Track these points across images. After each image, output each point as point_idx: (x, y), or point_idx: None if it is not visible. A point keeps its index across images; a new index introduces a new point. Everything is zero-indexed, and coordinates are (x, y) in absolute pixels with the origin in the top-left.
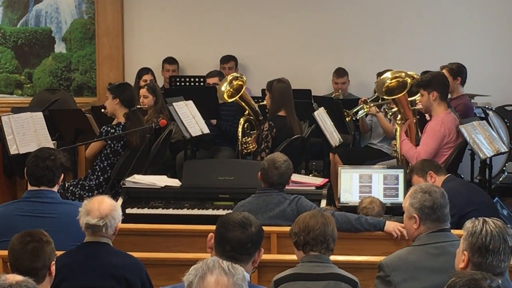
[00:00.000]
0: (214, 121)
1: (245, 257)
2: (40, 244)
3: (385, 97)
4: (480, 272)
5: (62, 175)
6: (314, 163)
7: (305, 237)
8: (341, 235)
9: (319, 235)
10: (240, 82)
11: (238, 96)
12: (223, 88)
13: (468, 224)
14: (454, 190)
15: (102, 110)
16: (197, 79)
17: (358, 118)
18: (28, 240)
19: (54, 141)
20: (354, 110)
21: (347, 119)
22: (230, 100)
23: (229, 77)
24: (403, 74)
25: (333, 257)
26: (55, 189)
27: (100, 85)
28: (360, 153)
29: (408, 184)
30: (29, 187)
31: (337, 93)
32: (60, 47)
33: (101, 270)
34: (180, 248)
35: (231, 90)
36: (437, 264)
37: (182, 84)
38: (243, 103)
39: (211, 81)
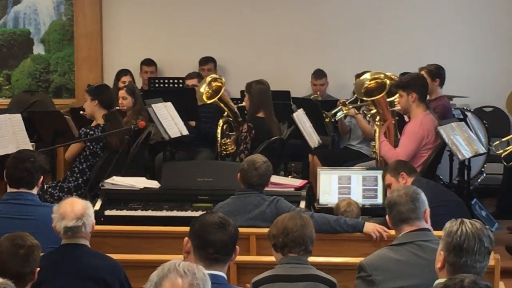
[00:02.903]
0: (193, 123)
1: (226, 258)
2: (31, 249)
3: (364, 98)
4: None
5: (42, 177)
6: (293, 165)
7: (283, 239)
8: (320, 236)
9: (297, 237)
10: (219, 84)
11: (217, 98)
12: (202, 90)
13: (447, 224)
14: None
15: (81, 112)
16: (176, 81)
17: (337, 119)
18: (20, 244)
19: (33, 143)
20: (333, 112)
21: (326, 120)
22: (209, 102)
23: (208, 79)
24: (382, 75)
25: (311, 259)
26: (35, 191)
27: (79, 87)
28: (339, 155)
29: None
30: (8, 189)
31: (315, 95)
32: (38, 49)
33: (80, 272)
34: (159, 249)
35: (210, 91)
36: (419, 262)
37: (161, 85)
38: (222, 105)
39: (190, 82)
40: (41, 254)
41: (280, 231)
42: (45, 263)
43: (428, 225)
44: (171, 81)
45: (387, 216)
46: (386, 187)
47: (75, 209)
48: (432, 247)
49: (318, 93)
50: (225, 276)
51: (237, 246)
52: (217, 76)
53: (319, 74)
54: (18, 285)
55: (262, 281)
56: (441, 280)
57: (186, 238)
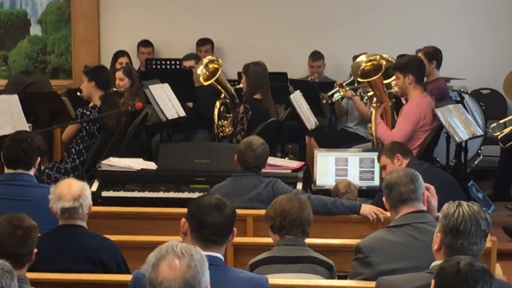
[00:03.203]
0: (190, 104)
1: (222, 240)
2: (28, 230)
3: (360, 79)
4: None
5: (39, 158)
6: (290, 146)
7: (281, 221)
8: (316, 218)
9: (295, 219)
10: (216, 65)
11: (214, 80)
12: (199, 71)
13: (445, 206)
14: None
15: (78, 93)
16: (173, 62)
17: (334, 101)
18: (18, 225)
19: (30, 124)
20: (330, 93)
21: (323, 102)
22: (206, 83)
23: (205, 60)
24: (378, 57)
25: (308, 240)
26: (32, 172)
27: (76, 68)
28: (336, 136)
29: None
30: (6, 170)
31: (313, 77)
32: (35, 30)
33: (77, 253)
34: (156, 230)
35: (207, 73)
36: (416, 244)
37: (158, 67)
38: (219, 86)
39: (187, 64)
40: (38, 235)
41: (278, 213)
42: (42, 244)
43: (425, 207)
44: (168, 62)
45: (384, 198)
46: (381, 168)
47: (72, 190)
48: (429, 229)
49: (315, 74)
50: (222, 257)
51: (234, 228)
52: (214, 58)
53: (316, 56)
54: (16, 266)
55: (259, 262)
56: (437, 262)
57: (183, 219)
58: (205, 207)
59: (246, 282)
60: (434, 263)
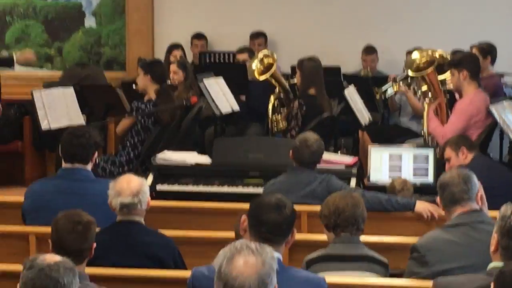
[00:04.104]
0: (243, 97)
1: (279, 239)
2: (88, 226)
3: (414, 75)
4: None
5: (96, 153)
6: (342, 140)
7: (335, 219)
8: (370, 215)
9: (349, 216)
10: (271, 60)
11: (269, 74)
12: (253, 66)
13: (502, 208)
14: (475, 169)
15: (134, 86)
16: (226, 55)
17: (387, 96)
18: (78, 221)
19: (84, 116)
20: (383, 88)
21: (376, 97)
22: (261, 78)
23: (260, 55)
24: (432, 53)
25: (363, 238)
26: (89, 167)
27: (130, 60)
28: (389, 131)
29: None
30: (63, 165)
31: (366, 71)
32: (90, 22)
33: (134, 249)
34: (211, 225)
35: (262, 68)
36: (472, 243)
37: (212, 60)
38: (273, 81)
39: (240, 57)
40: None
41: (332, 211)
42: (100, 239)
43: (479, 207)
44: (221, 55)
45: (438, 197)
46: (445, 161)
47: (131, 186)
48: (485, 228)
49: (368, 68)
50: (280, 257)
51: (294, 229)
52: (269, 53)
53: (369, 50)
54: (76, 261)
55: (315, 260)
56: (495, 264)
57: (243, 216)
58: (264, 205)
59: (304, 281)
60: (491, 265)
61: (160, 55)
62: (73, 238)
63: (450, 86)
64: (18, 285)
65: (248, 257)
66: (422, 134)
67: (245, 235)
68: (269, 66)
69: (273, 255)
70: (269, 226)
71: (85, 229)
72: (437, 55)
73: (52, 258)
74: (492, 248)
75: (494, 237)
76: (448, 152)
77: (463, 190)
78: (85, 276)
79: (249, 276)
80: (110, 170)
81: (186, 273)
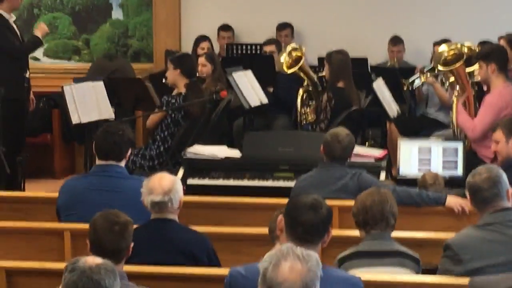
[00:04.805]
0: (270, 89)
1: (316, 239)
2: (125, 225)
3: (442, 69)
4: None
5: (130, 150)
6: (370, 132)
7: (364, 217)
8: (401, 209)
9: (376, 213)
10: (299, 53)
11: (297, 67)
12: (282, 59)
13: None
14: None
15: (163, 80)
16: (253, 47)
17: (414, 87)
18: (115, 221)
19: (113, 108)
20: (411, 80)
21: (404, 88)
22: (289, 71)
23: (288, 48)
24: (460, 45)
25: (394, 234)
26: (123, 163)
27: (157, 52)
28: (417, 122)
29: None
30: (97, 161)
31: (392, 61)
32: (117, 14)
33: (169, 246)
34: (242, 220)
35: (290, 61)
36: (505, 240)
37: (239, 52)
38: (302, 74)
39: (267, 49)
40: None
41: (360, 209)
42: (136, 237)
43: (510, 204)
44: (248, 47)
45: (469, 198)
46: (493, 142)
47: (163, 184)
48: None
49: (395, 59)
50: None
51: (330, 228)
52: (297, 46)
53: (396, 41)
54: (114, 261)
55: (348, 257)
56: None
57: (280, 216)
58: (301, 206)
59: (341, 281)
60: None
61: (187, 47)
62: (111, 239)
63: (478, 78)
64: (60, 287)
65: (294, 263)
66: (451, 127)
67: (282, 235)
68: (298, 59)
69: (319, 262)
70: (306, 226)
71: (122, 229)
72: (465, 49)
73: (94, 260)
74: None
75: None
76: (499, 135)
77: (494, 193)
78: (123, 275)
79: (294, 283)
80: (140, 163)
81: (221, 271)
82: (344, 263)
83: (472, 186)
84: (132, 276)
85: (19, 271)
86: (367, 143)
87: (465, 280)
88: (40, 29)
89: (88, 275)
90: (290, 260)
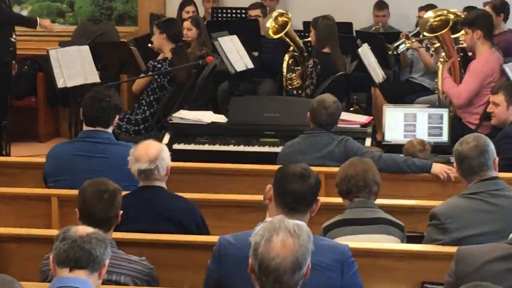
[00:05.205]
0: (255, 53)
1: (304, 208)
2: (114, 193)
3: (428, 35)
4: None
5: (117, 116)
6: (355, 97)
7: (346, 185)
8: (386, 176)
9: (359, 180)
10: (286, 19)
11: (283, 33)
12: (268, 25)
13: None
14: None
15: (149, 45)
16: (238, 11)
17: (399, 52)
18: (104, 189)
19: (98, 72)
20: (396, 45)
21: (388, 53)
22: (276, 37)
23: (274, 14)
24: (446, 11)
25: (378, 201)
26: (110, 130)
27: (142, 15)
28: (401, 87)
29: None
30: (84, 127)
31: (377, 26)
32: None
33: (157, 214)
34: (228, 186)
35: (276, 26)
36: (491, 209)
37: (224, 16)
38: (288, 40)
39: (253, 13)
40: None
41: (343, 179)
42: (124, 205)
43: (496, 173)
44: (234, 11)
45: (456, 166)
46: (491, 103)
47: (148, 152)
48: (504, 194)
49: (380, 24)
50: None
51: (318, 198)
52: (284, 11)
53: (381, 5)
54: (104, 229)
55: (332, 225)
56: None
57: (268, 185)
58: (289, 175)
59: (328, 250)
60: None
61: (171, 9)
62: (101, 207)
63: (463, 44)
64: (51, 256)
65: (286, 238)
66: (436, 92)
67: (270, 204)
68: (284, 25)
69: (310, 235)
70: (294, 195)
71: (111, 197)
72: (451, 15)
73: (85, 230)
74: None
75: None
76: (500, 99)
77: (481, 163)
78: (113, 243)
79: (285, 258)
80: (125, 127)
81: (209, 238)
82: (330, 231)
83: (459, 154)
84: (121, 244)
85: (5, 237)
86: (352, 108)
87: (452, 249)
88: (45, 23)
89: (79, 244)
90: (282, 235)
